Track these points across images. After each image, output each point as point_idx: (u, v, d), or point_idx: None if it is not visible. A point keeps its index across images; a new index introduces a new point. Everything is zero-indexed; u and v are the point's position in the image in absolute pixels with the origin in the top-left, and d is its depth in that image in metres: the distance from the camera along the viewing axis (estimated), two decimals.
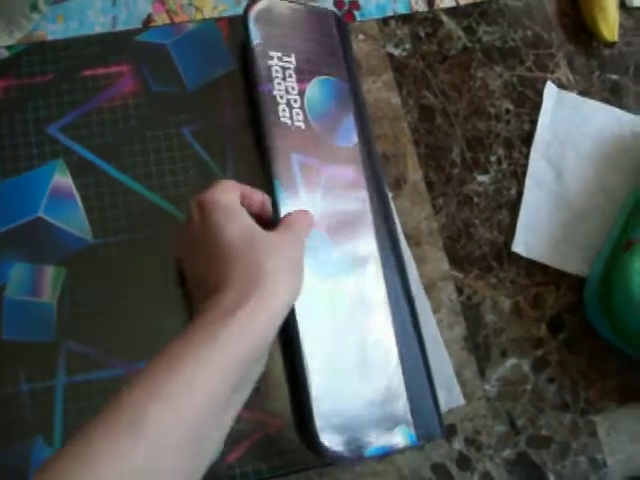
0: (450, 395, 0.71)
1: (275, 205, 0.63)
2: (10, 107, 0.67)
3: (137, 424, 0.45)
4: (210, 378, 0.48)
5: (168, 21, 0.79)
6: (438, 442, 0.71)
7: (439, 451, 0.71)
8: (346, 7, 0.83)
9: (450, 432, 0.72)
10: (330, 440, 0.59)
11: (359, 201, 0.68)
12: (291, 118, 0.67)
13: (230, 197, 0.58)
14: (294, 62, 0.70)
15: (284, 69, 0.69)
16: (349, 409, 0.61)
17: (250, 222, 0.57)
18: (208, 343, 0.49)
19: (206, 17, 0.79)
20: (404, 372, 0.64)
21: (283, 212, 0.63)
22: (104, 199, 0.66)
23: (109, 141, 0.68)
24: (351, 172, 0.68)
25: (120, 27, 0.78)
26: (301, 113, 0.68)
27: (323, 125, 0.69)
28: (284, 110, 0.67)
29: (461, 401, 0.72)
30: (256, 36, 0.69)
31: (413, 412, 0.63)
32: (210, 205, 0.57)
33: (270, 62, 0.69)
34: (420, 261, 0.76)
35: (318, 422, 0.59)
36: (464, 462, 0.72)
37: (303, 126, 0.68)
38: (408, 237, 0.76)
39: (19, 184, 0.65)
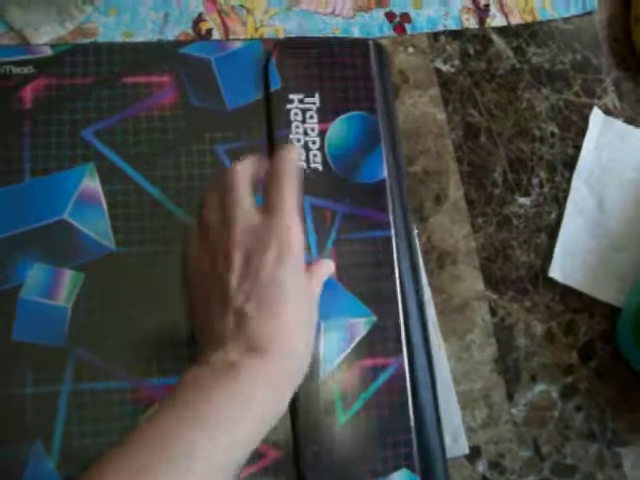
0: (455, 444, 0.69)
1: None
2: (48, 106, 0.65)
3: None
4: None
5: (219, 21, 0.77)
6: (461, 463, 0.69)
7: (462, 473, 0.69)
8: (397, 19, 0.81)
9: (474, 454, 0.70)
10: (318, 477, 0.59)
11: (382, 239, 0.66)
12: (307, 161, 0.66)
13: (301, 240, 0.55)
14: (317, 102, 0.68)
15: (304, 111, 0.68)
16: (352, 451, 0.60)
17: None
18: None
19: (256, 19, 0.77)
20: (414, 415, 0.63)
21: None
22: (131, 209, 0.64)
23: (142, 151, 0.66)
24: (375, 209, 0.67)
25: (171, 25, 0.76)
26: (319, 155, 0.67)
27: (344, 163, 0.67)
28: (299, 153, 0.66)
29: (466, 450, 0.70)
30: (276, 81, 0.68)
31: (420, 457, 0.62)
32: (288, 259, 0.52)
33: (289, 106, 0.68)
34: (455, 279, 0.74)
35: (313, 459, 0.59)
36: None
37: (320, 167, 0.67)
38: (445, 255, 0.74)
39: (47, 184, 0.63)
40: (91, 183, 0.64)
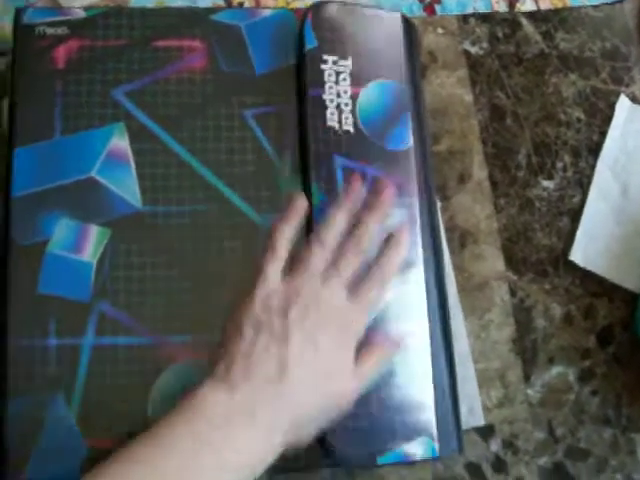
0: (471, 414, 0.69)
1: (312, 209, 0.62)
2: (80, 67, 0.66)
3: None
4: None
5: None
6: (474, 440, 0.69)
7: (475, 451, 0.69)
8: (427, 0, 0.81)
9: (488, 433, 0.69)
10: (340, 441, 0.58)
11: (406, 207, 0.66)
12: (339, 122, 0.66)
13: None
14: (350, 66, 0.68)
15: (338, 73, 0.68)
16: (369, 413, 0.60)
17: None
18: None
19: None
20: (434, 384, 0.63)
21: (319, 217, 0.61)
22: (158, 168, 0.64)
23: (171, 113, 0.66)
24: (401, 176, 0.67)
25: None
26: (351, 117, 0.67)
27: (374, 128, 0.67)
28: (332, 114, 0.66)
29: (481, 422, 0.70)
30: (312, 40, 0.68)
31: (438, 425, 0.62)
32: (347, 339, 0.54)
33: (324, 66, 0.67)
34: (476, 259, 0.74)
35: (338, 423, 0.57)
36: (499, 465, 0.69)
37: (352, 130, 0.67)
38: (467, 234, 0.74)
39: (77, 142, 0.64)
40: (120, 142, 0.64)
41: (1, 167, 0.65)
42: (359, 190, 0.58)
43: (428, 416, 0.61)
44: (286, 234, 0.55)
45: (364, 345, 0.55)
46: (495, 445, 0.70)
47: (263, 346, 0.50)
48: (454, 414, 0.63)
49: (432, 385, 0.62)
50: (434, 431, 0.61)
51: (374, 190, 0.58)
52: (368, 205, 0.57)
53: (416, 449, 0.61)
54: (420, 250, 0.65)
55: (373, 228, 0.56)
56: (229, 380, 0.49)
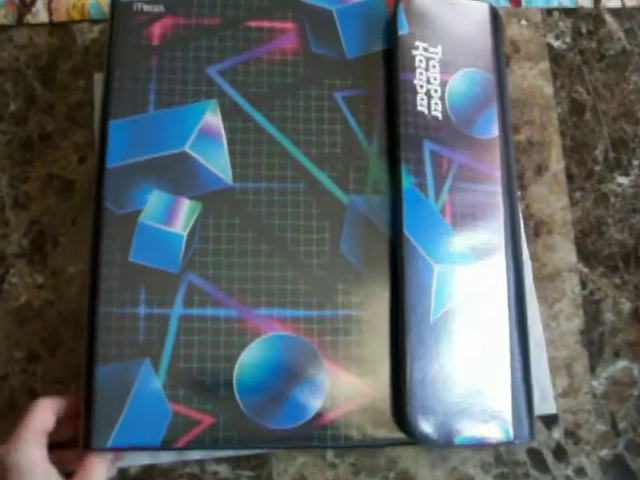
0: (543, 401, 0.69)
1: (400, 193, 0.63)
2: (174, 43, 0.66)
3: None
4: None
5: None
6: (538, 427, 0.69)
7: (537, 437, 0.69)
8: None
9: (551, 421, 0.69)
10: (421, 421, 0.59)
11: (490, 194, 0.66)
12: (428, 107, 0.66)
13: (32, 454, 0.54)
14: (440, 54, 0.68)
15: (428, 59, 0.67)
16: (448, 395, 0.60)
17: None
18: None
19: None
20: (510, 369, 0.62)
21: (407, 198, 0.63)
22: (249, 145, 0.64)
23: (263, 92, 0.66)
24: (486, 164, 0.66)
25: None
26: (440, 103, 0.67)
27: (462, 116, 0.67)
28: (422, 99, 0.66)
29: (553, 410, 0.69)
30: (404, 26, 0.67)
31: (513, 410, 0.62)
32: (5, 470, 0.53)
33: (415, 52, 0.67)
34: (549, 249, 0.73)
35: (412, 402, 0.59)
36: (560, 453, 0.69)
37: (440, 116, 0.66)
38: (542, 224, 0.74)
39: (171, 116, 0.64)
40: (213, 118, 0.64)
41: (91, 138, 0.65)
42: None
43: (504, 401, 0.61)
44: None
45: None
46: (557, 433, 0.70)
47: None
48: (528, 400, 0.63)
49: (509, 370, 0.62)
50: (509, 416, 0.61)
51: None
52: None
53: (492, 433, 0.61)
54: (503, 236, 0.65)
55: None
56: None
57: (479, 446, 0.67)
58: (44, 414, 0.57)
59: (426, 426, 0.58)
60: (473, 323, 0.62)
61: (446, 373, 0.61)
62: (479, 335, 0.62)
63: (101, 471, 0.57)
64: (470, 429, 0.60)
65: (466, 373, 0.61)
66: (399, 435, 0.60)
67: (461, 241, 0.64)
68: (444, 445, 0.60)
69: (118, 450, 0.58)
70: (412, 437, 0.59)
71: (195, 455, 0.65)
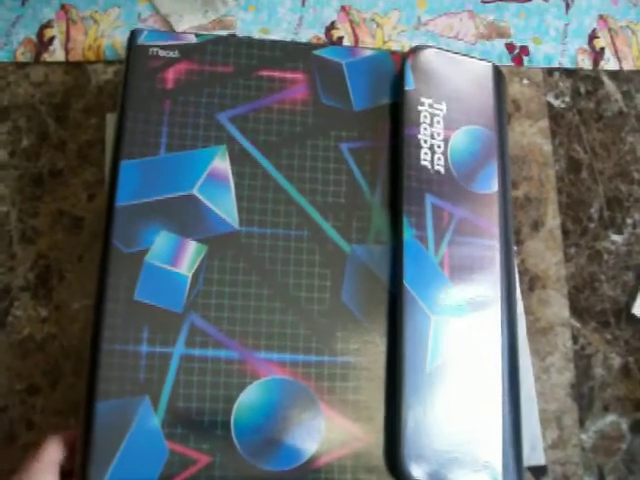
0: (533, 453, 0.70)
1: (401, 244, 0.64)
2: (188, 88, 0.67)
3: None
4: None
5: (350, 30, 0.79)
6: (527, 479, 0.70)
7: None
8: (517, 51, 0.82)
9: (540, 472, 0.70)
10: (414, 468, 0.59)
11: (488, 249, 0.66)
12: (432, 162, 0.67)
13: None
14: (444, 110, 0.69)
15: (433, 115, 0.68)
16: (440, 443, 0.61)
17: None
18: None
19: (385, 34, 0.79)
20: (502, 420, 0.63)
21: (408, 250, 0.64)
22: (256, 191, 0.65)
23: (272, 140, 0.67)
24: (485, 219, 0.67)
25: (305, 28, 0.78)
26: (442, 158, 0.68)
27: (463, 171, 0.68)
28: (426, 154, 0.67)
29: (542, 461, 0.70)
30: (410, 82, 0.69)
31: (503, 460, 0.62)
32: None
33: (420, 107, 0.68)
34: (543, 304, 0.75)
35: (405, 449, 0.59)
36: None
37: (442, 170, 0.67)
38: (536, 279, 0.75)
39: (181, 160, 0.65)
40: (221, 163, 0.65)
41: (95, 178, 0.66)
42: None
43: (495, 451, 0.62)
44: None
45: None
46: None
47: None
48: (517, 451, 0.63)
49: (500, 421, 0.62)
50: (499, 466, 0.61)
51: None
52: None
53: None
54: (498, 290, 0.66)
55: None
56: None
57: None
58: (55, 447, 0.58)
59: (418, 473, 0.59)
60: (467, 374, 0.63)
61: (439, 422, 0.61)
62: (472, 386, 0.63)
63: None
64: (461, 478, 0.61)
65: (458, 423, 0.62)
66: None
67: (458, 293, 0.64)
68: None
69: None
70: None
71: None
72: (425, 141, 0.67)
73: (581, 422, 0.72)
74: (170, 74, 0.67)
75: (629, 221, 0.79)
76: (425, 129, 0.68)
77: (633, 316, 0.76)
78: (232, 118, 0.67)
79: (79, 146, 0.75)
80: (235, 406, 0.60)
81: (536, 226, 0.77)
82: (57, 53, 0.78)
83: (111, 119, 0.74)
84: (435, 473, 0.60)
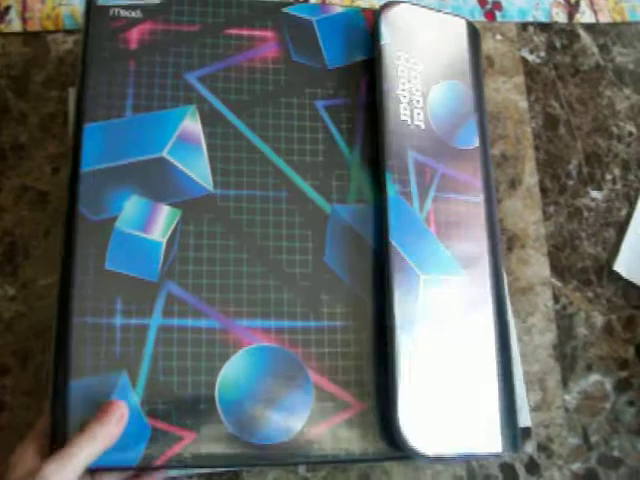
0: (519, 415, 0.67)
1: (385, 201, 0.62)
2: (153, 49, 0.64)
3: None
4: None
5: None
6: None
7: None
8: (489, 6, 0.80)
9: (524, 435, 0.69)
10: (411, 434, 0.57)
11: (473, 203, 0.65)
12: (412, 117, 0.65)
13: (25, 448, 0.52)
14: (421, 65, 0.67)
15: (409, 70, 0.67)
16: (437, 408, 0.59)
17: None
18: None
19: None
20: (498, 384, 0.62)
21: (392, 206, 0.62)
22: (229, 152, 0.63)
23: (244, 99, 0.64)
24: (468, 174, 0.66)
25: None
26: (422, 113, 0.66)
27: (443, 126, 0.67)
28: (405, 109, 0.65)
29: (528, 423, 0.69)
30: (386, 36, 0.67)
31: (501, 424, 0.60)
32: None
33: (397, 62, 0.67)
34: (523, 263, 0.73)
35: (402, 414, 0.57)
36: (533, 467, 0.69)
37: (423, 126, 0.66)
38: (515, 238, 0.73)
39: (148, 121, 0.62)
40: (192, 124, 0.62)
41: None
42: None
43: (493, 415, 0.60)
44: None
45: None
46: (530, 447, 0.69)
47: None
48: (512, 413, 0.62)
49: (497, 383, 0.61)
50: (498, 429, 0.60)
51: None
52: None
53: (480, 445, 0.59)
54: (486, 247, 0.64)
55: None
56: None
57: (470, 459, 0.66)
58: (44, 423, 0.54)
59: (417, 439, 0.57)
60: (459, 334, 0.61)
61: (434, 384, 0.59)
62: (465, 346, 0.61)
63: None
64: (462, 443, 0.59)
65: (453, 385, 0.60)
66: (388, 449, 0.58)
67: (446, 250, 0.62)
68: (435, 459, 0.58)
69: (93, 471, 0.54)
70: (402, 451, 0.57)
71: (172, 473, 0.62)
72: (404, 96, 0.65)
73: (564, 383, 0.71)
74: (133, 34, 0.64)
75: (608, 177, 0.77)
76: (403, 84, 0.66)
77: (614, 273, 0.74)
78: (201, 78, 0.64)
79: (41, 119, 0.72)
80: (219, 378, 0.57)
81: (513, 184, 0.75)
82: (14, 23, 0.74)
83: (73, 92, 0.71)
84: (432, 437, 0.58)
